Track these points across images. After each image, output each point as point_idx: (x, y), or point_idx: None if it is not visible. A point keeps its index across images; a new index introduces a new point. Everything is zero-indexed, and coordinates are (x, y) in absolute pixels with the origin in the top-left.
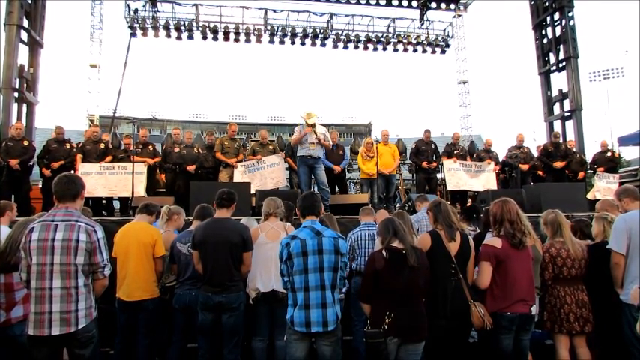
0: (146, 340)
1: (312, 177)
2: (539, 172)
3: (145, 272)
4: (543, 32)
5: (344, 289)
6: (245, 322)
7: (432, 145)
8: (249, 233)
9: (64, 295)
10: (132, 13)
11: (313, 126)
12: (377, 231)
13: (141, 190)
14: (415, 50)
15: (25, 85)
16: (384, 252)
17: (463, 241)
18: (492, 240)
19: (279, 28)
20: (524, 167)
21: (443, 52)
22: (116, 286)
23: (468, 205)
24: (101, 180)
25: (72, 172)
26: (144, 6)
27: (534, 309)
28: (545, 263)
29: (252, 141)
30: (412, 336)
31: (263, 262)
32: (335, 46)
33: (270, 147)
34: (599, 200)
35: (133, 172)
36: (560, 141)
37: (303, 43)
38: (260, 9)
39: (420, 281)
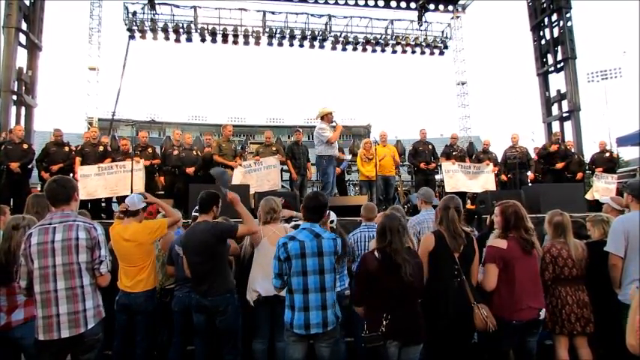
0: (144, 343)
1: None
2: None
3: (144, 265)
4: (541, 33)
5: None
6: (245, 324)
7: (430, 146)
8: (221, 226)
9: (69, 295)
10: (130, 15)
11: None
12: (376, 230)
13: (140, 188)
14: (413, 52)
15: (24, 87)
16: (376, 253)
17: (467, 243)
18: (497, 241)
19: (278, 30)
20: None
21: (441, 53)
22: (114, 288)
23: (468, 207)
24: (100, 181)
25: (71, 174)
26: (142, 8)
27: (542, 313)
28: (546, 264)
29: (251, 143)
30: (412, 338)
31: (265, 266)
32: (333, 48)
33: (274, 148)
34: (596, 200)
35: (132, 170)
36: (559, 141)
37: (301, 45)
38: (258, 11)
39: (414, 282)
